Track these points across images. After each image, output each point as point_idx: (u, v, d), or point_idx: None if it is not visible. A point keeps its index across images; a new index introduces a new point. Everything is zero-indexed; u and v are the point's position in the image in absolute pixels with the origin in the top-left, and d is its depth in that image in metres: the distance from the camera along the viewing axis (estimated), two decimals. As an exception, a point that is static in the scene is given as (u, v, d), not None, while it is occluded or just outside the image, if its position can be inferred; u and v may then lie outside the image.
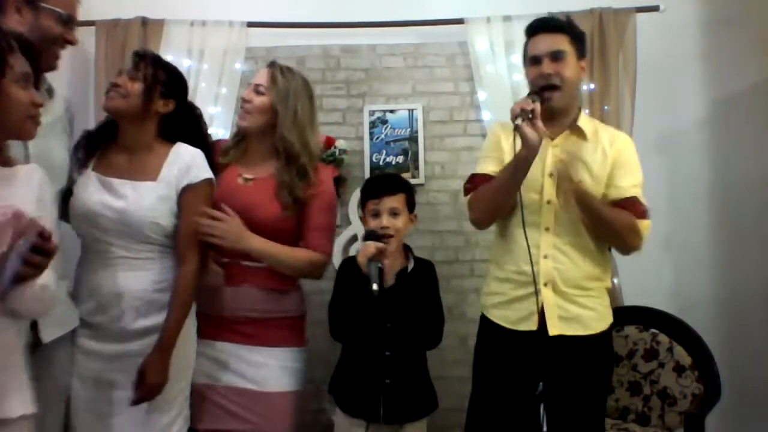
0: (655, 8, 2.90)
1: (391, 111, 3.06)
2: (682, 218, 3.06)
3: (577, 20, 2.84)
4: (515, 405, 2.00)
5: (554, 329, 1.96)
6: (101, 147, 1.96)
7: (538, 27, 2.05)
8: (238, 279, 2.02)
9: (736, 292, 3.02)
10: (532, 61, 2.02)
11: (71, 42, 1.91)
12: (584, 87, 2.85)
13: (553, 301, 1.97)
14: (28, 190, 1.52)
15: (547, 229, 1.99)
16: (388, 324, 1.97)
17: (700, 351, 2.41)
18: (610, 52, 2.86)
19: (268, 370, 2.02)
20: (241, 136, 2.16)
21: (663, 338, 2.48)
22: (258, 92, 2.07)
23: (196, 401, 2.00)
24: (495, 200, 1.99)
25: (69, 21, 1.88)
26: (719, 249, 3.06)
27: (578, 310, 1.97)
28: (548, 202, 1.99)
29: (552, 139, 1.99)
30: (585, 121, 2.06)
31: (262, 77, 2.10)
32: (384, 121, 3.05)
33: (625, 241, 2.01)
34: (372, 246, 1.95)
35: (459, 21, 2.95)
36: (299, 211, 2.04)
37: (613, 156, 2.01)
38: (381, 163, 3.03)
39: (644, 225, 2.00)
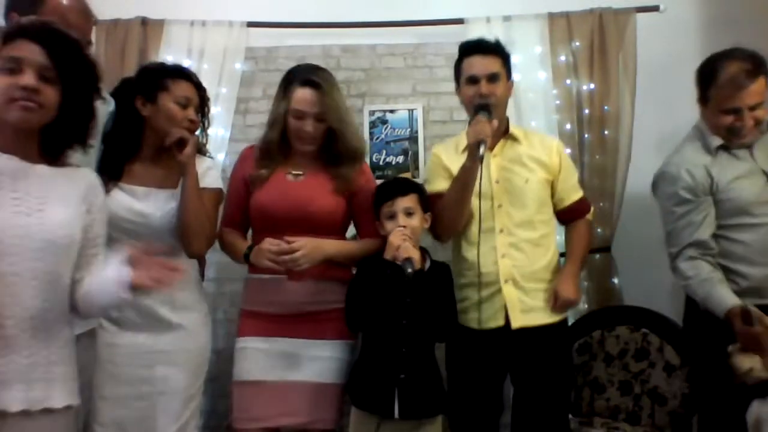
0: (655, 8, 2.91)
1: (391, 111, 3.06)
2: (682, 218, 3.06)
3: (577, 20, 2.89)
4: (486, 395, 2.20)
5: (517, 322, 2.14)
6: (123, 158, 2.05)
7: (475, 48, 2.21)
8: (299, 273, 2.06)
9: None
10: (469, 80, 2.18)
11: None
12: (584, 87, 2.87)
13: (515, 295, 2.15)
14: (73, 188, 1.56)
15: (501, 231, 2.17)
16: (404, 321, 1.98)
17: (688, 351, 2.40)
18: (610, 52, 2.86)
19: (324, 362, 2.10)
20: (281, 145, 2.16)
21: (654, 338, 2.48)
22: (318, 120, 2.09)
23: (249, 398, 2.08)
24: (453, 212, 2.14)
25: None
26: (719, 249, 3.05)
27: (537, 302, 2.15)
28: (499, 206, 2.18)
29: (491, 150, 2.20)
30: (514, 127, 2.29)
31: (310, 101, 2.07)
32: (384, 121, 3.06)
33: (592, 242, 2.46)
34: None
35: (459, 21, 2.95)
36: (349, 199, 2.17)
37: (556, 162, 2.25)
38: (381, 163, 3.03)
39: (591, 214, 2.37)
